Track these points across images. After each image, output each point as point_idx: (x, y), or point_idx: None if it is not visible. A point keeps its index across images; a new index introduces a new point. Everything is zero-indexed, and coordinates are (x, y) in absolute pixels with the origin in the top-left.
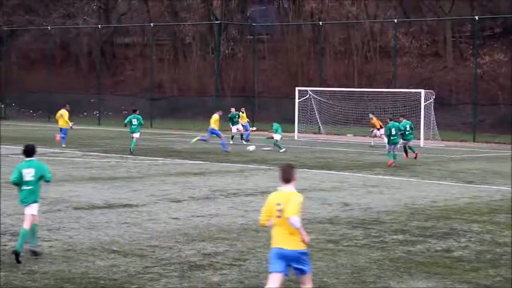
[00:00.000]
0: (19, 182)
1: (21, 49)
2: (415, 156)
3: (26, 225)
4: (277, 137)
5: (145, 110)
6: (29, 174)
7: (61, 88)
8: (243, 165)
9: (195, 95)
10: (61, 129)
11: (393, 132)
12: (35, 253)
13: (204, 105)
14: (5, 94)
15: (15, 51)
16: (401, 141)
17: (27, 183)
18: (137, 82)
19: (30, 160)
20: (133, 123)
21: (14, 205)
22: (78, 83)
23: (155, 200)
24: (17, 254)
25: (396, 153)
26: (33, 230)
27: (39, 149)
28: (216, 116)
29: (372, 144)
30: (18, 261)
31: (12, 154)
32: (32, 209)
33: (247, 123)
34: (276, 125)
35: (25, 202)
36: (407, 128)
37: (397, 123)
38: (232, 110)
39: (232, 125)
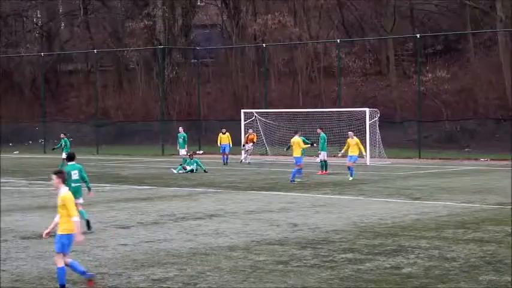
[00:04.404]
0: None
1: None
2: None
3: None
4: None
5: (91, 137)
6: (75, 174)
7: (5, 117)
8: (191, 189)
9: (141, 120)
10: None
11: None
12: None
13: (149, 130)
14: None
15: None
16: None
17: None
18: (82, 109)
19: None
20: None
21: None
22: (22, 112)
23: (103, 226)
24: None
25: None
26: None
27: None
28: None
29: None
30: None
31: None
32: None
33: (228, 145)
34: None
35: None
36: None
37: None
38: (180, 129)
39: (181, 148)
